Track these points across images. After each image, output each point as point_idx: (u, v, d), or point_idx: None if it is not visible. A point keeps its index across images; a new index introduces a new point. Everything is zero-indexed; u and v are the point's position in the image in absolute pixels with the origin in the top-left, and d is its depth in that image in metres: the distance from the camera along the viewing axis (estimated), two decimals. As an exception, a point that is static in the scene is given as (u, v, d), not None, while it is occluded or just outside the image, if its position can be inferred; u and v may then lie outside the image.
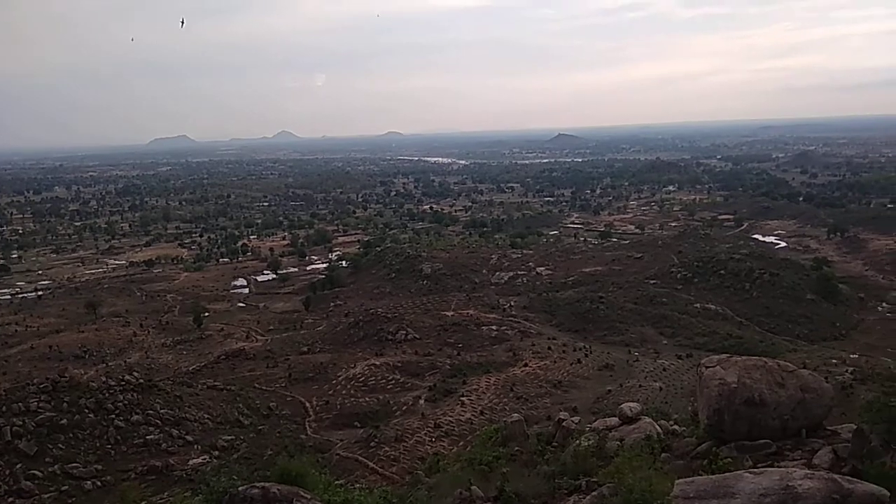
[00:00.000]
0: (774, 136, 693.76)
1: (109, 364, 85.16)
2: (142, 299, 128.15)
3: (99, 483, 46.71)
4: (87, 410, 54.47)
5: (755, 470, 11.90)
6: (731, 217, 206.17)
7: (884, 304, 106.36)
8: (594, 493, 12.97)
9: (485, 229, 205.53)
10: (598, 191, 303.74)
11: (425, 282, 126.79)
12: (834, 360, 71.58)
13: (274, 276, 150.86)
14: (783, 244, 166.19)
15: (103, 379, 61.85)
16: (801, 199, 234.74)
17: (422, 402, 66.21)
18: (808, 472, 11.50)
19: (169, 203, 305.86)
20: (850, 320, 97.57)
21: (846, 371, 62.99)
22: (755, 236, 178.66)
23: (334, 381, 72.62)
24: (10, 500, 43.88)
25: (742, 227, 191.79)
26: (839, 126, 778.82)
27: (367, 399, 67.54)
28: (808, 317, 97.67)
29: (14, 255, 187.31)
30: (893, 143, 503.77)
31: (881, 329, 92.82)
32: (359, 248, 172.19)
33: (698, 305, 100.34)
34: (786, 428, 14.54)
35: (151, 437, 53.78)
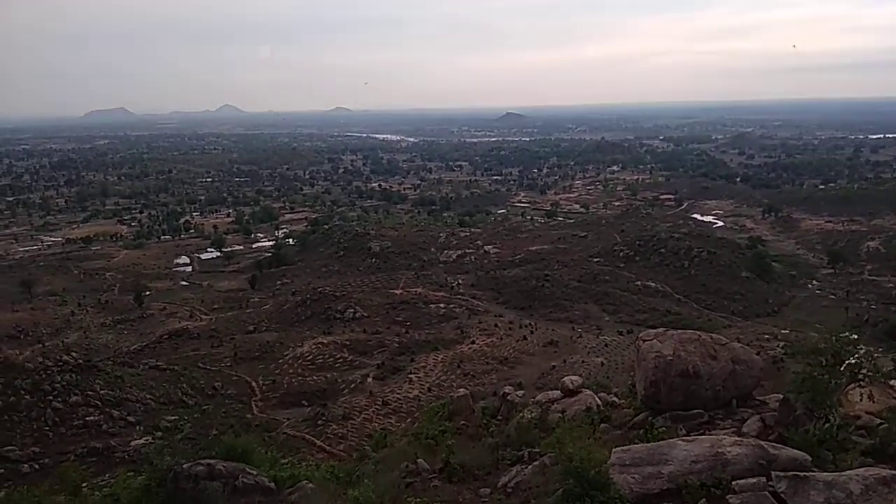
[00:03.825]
0: (714, 117, 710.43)
1: (46, 344, 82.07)
2: (79, 278, 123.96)
3: (36, 466, 45.46)
4: (22, 392, 52.81)
5: (688, 438, 12.48)
6: (671, 197, 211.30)
7: (813, 282, 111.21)
8: (536, 463, 13.40)
9: (433, 207, 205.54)
10: (544, 170, 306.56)
11: (374, 260, 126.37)
12: (766, 335, 74.72)
13: (218, 253, 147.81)
14: (720, 223, 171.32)
15: (39, 359, 59.83)
16: (738, 179, 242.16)
17: (370, 379, 66.39)
18: (738, 439, 12.11)
19: (107, 178, 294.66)
20: (783, 297, 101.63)
21: (777, 346, 65.89)
22: (694, 215, 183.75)
23: (281, 360, 72.03)
24: (-58, 485, 42.36)
25: (682, 207, 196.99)
26: (775, 108, 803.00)
27: (314, 378, 67.28)
28: (742, 294, 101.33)
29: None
30: (826, 125, 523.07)
31: (811, 305, 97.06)
32: (306, 226, 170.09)
33: (639, 283, 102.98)
34: (718, 398, 15.25)
35: (91, 418, 52.55)
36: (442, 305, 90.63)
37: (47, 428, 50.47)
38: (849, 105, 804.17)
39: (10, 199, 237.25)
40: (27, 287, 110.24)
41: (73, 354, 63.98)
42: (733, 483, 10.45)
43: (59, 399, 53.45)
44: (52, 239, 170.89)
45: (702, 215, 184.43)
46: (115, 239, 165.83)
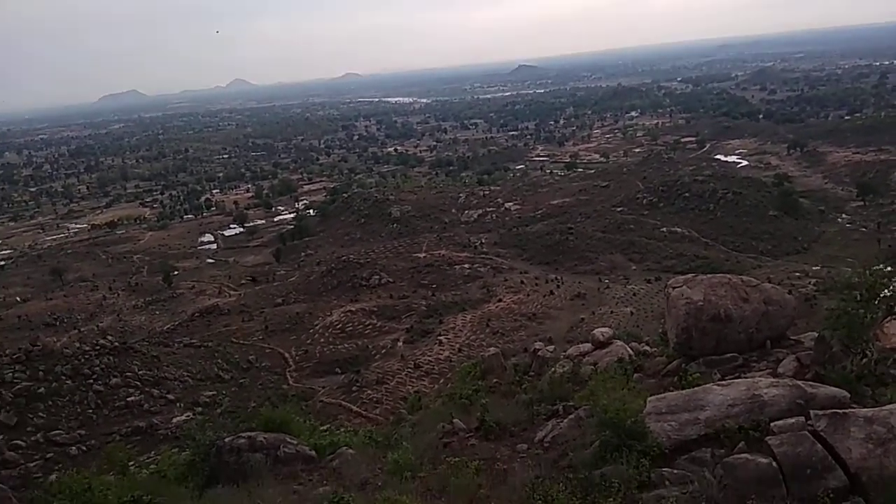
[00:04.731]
0: (732, 54, 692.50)
1: (82, 330, 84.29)
2: (108, 262, 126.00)
3: (84, 448, 46.99)
4: (64, 377, 54.28)
5: (723, 382, 12.36)
6: (693, 139, 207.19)
7: (843, 216, 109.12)
8: (571, 416, 13.41)
9: (451, 168, 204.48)
10: (561, 121, 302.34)
11: (395, 225, 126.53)
12: (797, 273, 73.97)
13: (241, 229, 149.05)
14: (745, 163, 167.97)
15: (77, 345, 61.59)
16: (760, 116, 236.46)
17: (400, 344, 67.13)
18: (774, 380, 11.96)
19: (125, 162, 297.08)
20: (812, 233, 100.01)
21: (809, 283, 65.19)
22: (717, 157, 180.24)
23: (312, 331, 73.03)
24: (-4, 470, 43.93)
25: (704, 149, 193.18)
26: (796, 40, 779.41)
27: (345, 345, 68.21)
28: (770, 233, 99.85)
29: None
30: (849, 54, 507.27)
31: (841, 240, 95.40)
32: (325, 196, 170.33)
33: (665, 229, 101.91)
34: (751, 340, 15.05)
35: (132, 398, 53.96)
36: (466, 266, 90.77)
37: (91, 410, 51.95)
38: (872, 30, 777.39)
39: (33, 189, 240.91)
40: (58, 275, 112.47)
41: (109, 338, 65.58)
42: (772, 424, 10.34)
43: (100, 382, 54.87)
44: (78, 226, 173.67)
45: (725, 156, 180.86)
46: (138, 222, 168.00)
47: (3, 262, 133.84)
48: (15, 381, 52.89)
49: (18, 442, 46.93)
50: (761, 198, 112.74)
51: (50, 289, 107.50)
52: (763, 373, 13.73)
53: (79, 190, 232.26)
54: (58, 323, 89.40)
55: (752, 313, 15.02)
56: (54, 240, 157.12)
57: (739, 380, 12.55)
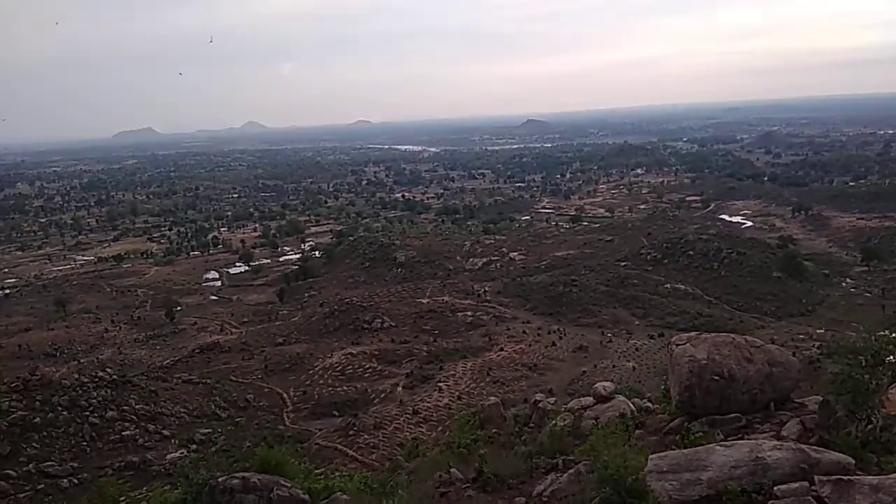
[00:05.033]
0: (739, 117, 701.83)
1: (81, 361, 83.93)
2: (112, 295, 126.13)
3: (75, 480, 46.29)
4: (60, 408, 53.84)
5: (726, 443, 12.24)
6: (698, 198, 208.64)
7: (847, 280, 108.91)
8: (571, 471, 13.22)
9: (457, 216, 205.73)
10: (567, 175, 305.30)
11: (399, 270, 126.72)
12: (801, 336, 73.50)
13: (246, 268, 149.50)
14: (749, 224, 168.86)
15: (76, 376, 61.16)
16: (765, 178, 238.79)
17: (399, 389, 66.53)
18: (777, 443, 11.83)
19: (136, 197, 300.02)
20: (816, 296, 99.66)
21: (813, 346, 64.69)
22: (722, 216, 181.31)
23: (311, 372, 72.51)
24: (-16, 501, 43.27)
25: (709, 208, 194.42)
26: (801, 106, 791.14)
27: (344, 388, 67.58)
28: (774, 294, 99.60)
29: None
30: (854, 122, 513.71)
31: (845, 304, 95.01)
32: (332, 238, 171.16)
33: (668, 286, 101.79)
34: (755, 401, 14.91)
35: (127, 432, 53.36)
36: (469, 313, 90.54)
37: (85, 443, 51.35)
38: (876, 100, 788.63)
39: (43, 220, 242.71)
40: (62, 306, 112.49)
41: (108, 370, 65.20)
42: (775, 488, 10.20)
43: (96, 414, 54.38)
44: (85, 258, 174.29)
45: (730, 216, 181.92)
46: (145, 256, 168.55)
47: (8, 291, 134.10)
48: (11, 409, 52.49)
49: (10, 472, 46.30)
50: (765, 259, 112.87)
51: (53, 319, 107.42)
52: (766, 435, 13.57)
53: (88, 223, 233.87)
54: (58, 353, 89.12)
55: (756, 374, 14.92)
56: (60, 271, 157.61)
57: (742, 441, 12.42)
